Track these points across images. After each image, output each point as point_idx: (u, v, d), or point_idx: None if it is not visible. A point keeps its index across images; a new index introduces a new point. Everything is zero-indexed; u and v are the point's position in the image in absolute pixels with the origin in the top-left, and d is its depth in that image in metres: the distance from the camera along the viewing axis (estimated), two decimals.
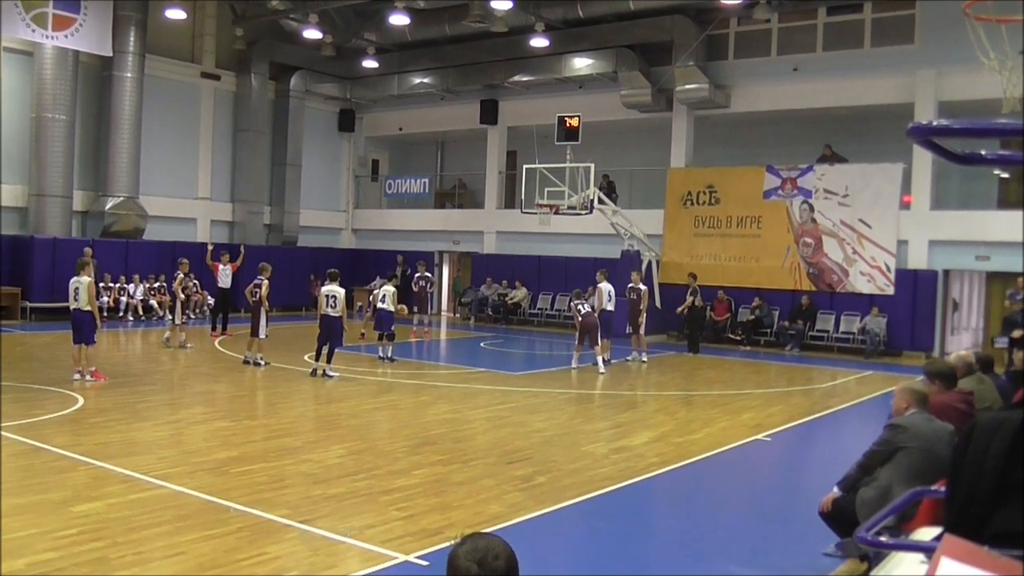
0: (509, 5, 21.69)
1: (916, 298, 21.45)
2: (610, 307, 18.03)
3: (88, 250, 21.75)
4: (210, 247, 21.15)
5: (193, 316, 19.28)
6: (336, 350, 15.11)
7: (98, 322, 13.57)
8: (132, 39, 24.21)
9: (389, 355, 17.17)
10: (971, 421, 3.60)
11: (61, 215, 23.37)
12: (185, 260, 19.48)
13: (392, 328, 17.23)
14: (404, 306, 18.08)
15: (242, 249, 21.58)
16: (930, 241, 21.51)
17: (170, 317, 19.49)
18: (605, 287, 18.10)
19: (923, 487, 4.89)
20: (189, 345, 18.36)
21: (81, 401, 11.84)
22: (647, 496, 8.61)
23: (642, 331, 19.11)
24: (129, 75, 24.29)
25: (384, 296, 17.10)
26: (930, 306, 21.45)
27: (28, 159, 23.06)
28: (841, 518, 5.89)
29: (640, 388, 16.08)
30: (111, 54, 23.76)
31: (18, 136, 23.00)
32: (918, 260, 21.68)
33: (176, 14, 24.20)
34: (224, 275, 20.25)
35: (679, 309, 21.31)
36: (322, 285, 15.54)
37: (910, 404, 5.91)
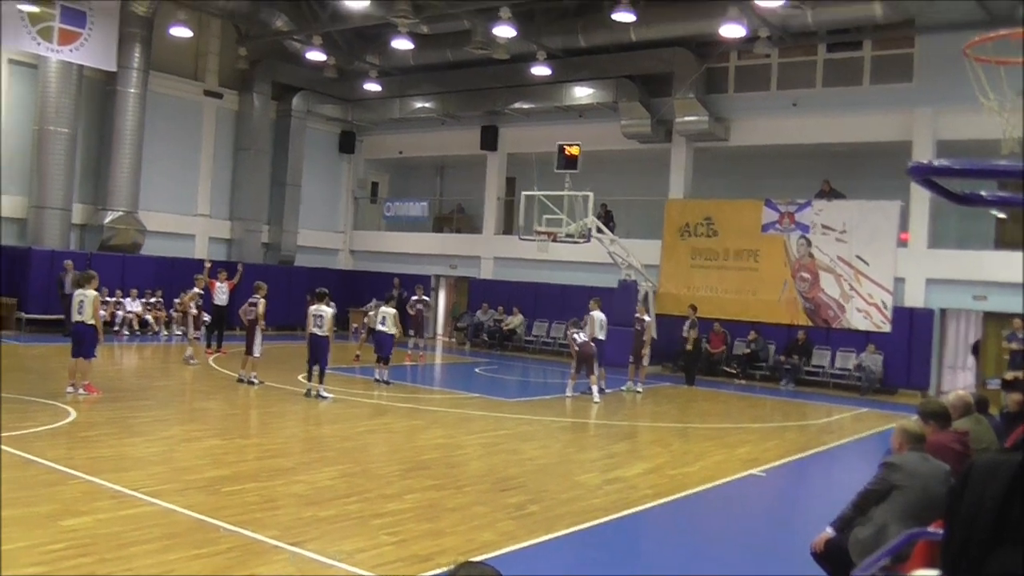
0: (512, 33, 21.84)
1: (912, 336, 21.47)
2: (602, 336, 18.00)
3: (69, 262, 21.77)
4: (207, 264, 21.13)
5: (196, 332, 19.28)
6: (326, 370, 15.06)
7: (100, 336, 13.53)
8: (136, 55, 24.34)
9: (385, 378, 17.11)
10: (967, 462, 3.60)
11: (60, 227, 23.38)
12: (200, 276, 19.40)
13: (391, 351, 17.17)
14: (400, 329, 18.02)
15: (239, 267, 21.55)
16: (927, 279, 21.56)
17: (179, 332, 19.30)
18: (597, 315, 18.09)
19: (918, 527, 4.88)
20: (194, 361, 18.29)
21: (73, 414, 11.78)
22: (640, 528, 8.57)
23: (646, 362, 19.12)
24: (132, 91, 24.40)
25: (384, 318, 17.05)
26: (926, 344, 21.46)
27: (29, 171, 23.10)
28: (834, 558, 5.85)
29: (635, 419, 16.04)
30: (115, 69, 23.87)
31: (20, 147, 23.05)
32: (915, 298, 21.73)
33: (181, 32, 24.34)
34: (220, 292, 20.23)
35: (688, 346, 21.20)
36: (312, 304, 15.50)
37: (904, 443, 5.90)
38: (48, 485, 8.21)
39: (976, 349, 21.15)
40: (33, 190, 23.08)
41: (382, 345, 17.01)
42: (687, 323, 21.18)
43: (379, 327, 17.13)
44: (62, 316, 21.39)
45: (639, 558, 7.78)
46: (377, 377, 17.17)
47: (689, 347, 21.17)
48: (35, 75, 23.12)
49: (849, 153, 23.51)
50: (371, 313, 19.02)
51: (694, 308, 21.56)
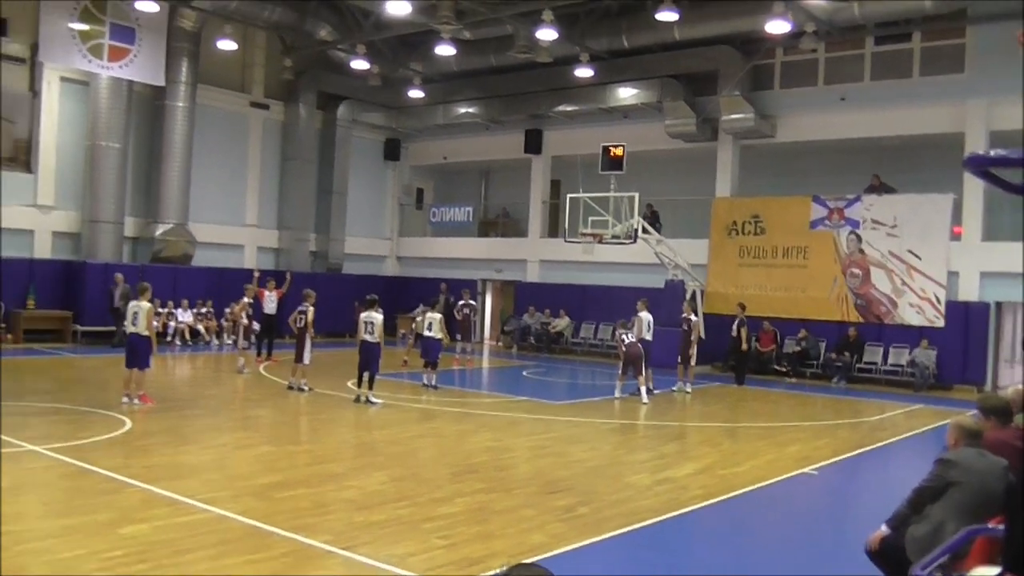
0: (554, 36, 21.82)
1: (967, 331, 21.06)
2: (648, 336, 17.90)
3: (119, 275, 22.15)
4: (256, 274, 21.39)
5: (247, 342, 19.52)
6: (376, 376, 15.16)
7: (154, 347, 13.74)
8: (184, 69, 24.76)
9: (433, 383, 17.18)
10: None
11: (113, 241, 23.84)
12: (250, 286, 19.62)
13: (439, 356, 17.26)
14: (447, 333, 18.10)
15: (288, 276, 21.80)
16: (981, 273, 21.13)
17: (230, 342, 19.43)
18: (645, 316, 18.00)
19: (976, 524, 4.77)
20: (247, 370, 18.51)
21: (129, 424, 11.99)
22: (691, 529, 8.49)
23: (693, 362, 18.98)
24: (181, 104, 24.82)
25: (431, 324, 17.14)
26: (982, 339, 21.03)
27: (82, 186, 23.59)
28: (889, 557, 5.75)
29: (684, 419, 15.92)
30: (164, 84, 24.32)
31: (73, 163, 23.56)
32: (969, 292, 21.30)
33: (227, 45, 24.69)
34: (270, 301, 20.45)
35: (741, 345, 20.97)
36: (363, 311, 15.63)
37: (960, 439, 5.78)
38: (106, 493, 8.36)
39: None
40: (86, 205, 23.56)
41: (429, 350, 17.11)
42: (736, 322, 20.97)
43: (426, 332, 17.23)
44: (114, 328, 21.88)
45: (690, 559, 7.72)
46: (425, 382, 17.25)
47: (742, 347, 20.93)
48: (87, 92, 23.61)
49: (899, 147, 23.13)
50: (419, 319, 19.10)
51: (743, 307, 21.34)
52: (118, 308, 21.92)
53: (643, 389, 16.98)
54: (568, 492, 9.28)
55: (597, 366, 23.85)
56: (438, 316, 17.34)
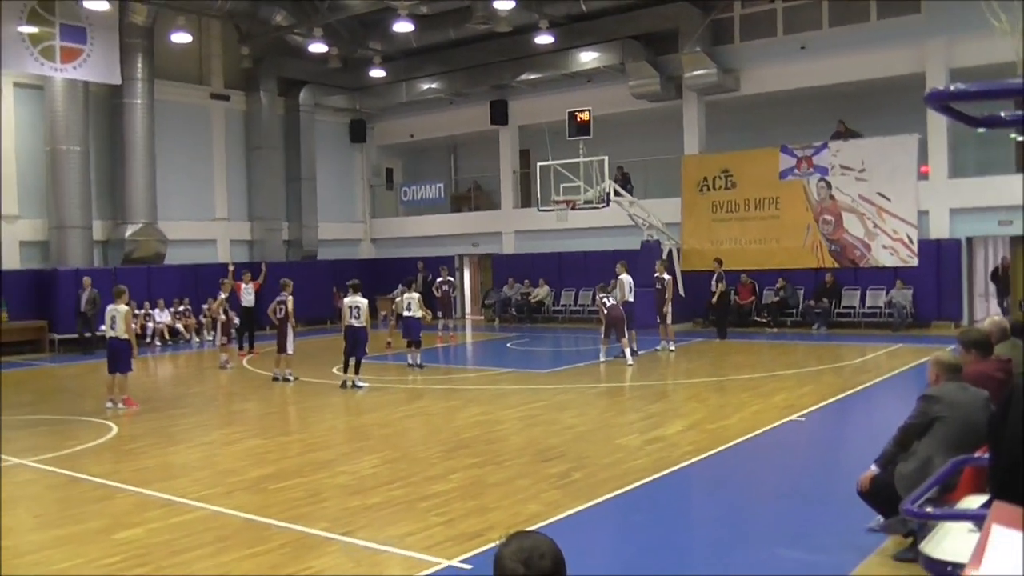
0: (512, 4, 21.67)
1: (940, 268, 21.28)
2: (631, 298, 17.99)
3: (87, 279, 21.96)
4: (231, 267, 21.25)
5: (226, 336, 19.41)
6: (362, 360, 15.16)
7: (134, 350, 13.65)
8: (140, 65, 24.39)
9: (418, 362, 17.20)
10: (1009, 388, 3.55)
11: (82, 246, 23.56)
12: (226, 280, 19.50)
13: (420, 335, 17.27)
14: (428, 311, 18.10)
15: (263, 267, 21.67)
16: (951, 210, 21.34)
17: (210, 338, 19.35)
18: (626, 279, 18.06)
19: (964, 456, 4.84)
20: (230, 365, 18.43)
21: (115, 429, 11.92)
22: (684, 485, 8.57)
23: (669, 320, 19.05)
24: (139, 101, 24.48)
25: (409, 304, 17.14)
26: (955, 275, 21.27)
27: (45, 192, 23.27)
28: (880, 495, 5.84)
29: (669, 377, 16.02)
30: (120, 82, 23.93)
31: (34, 170, 23.22)
32: (940, 229, 21.50)
33: (182, 38, 24.35)
34: (247, 294, 20.34)
35: (713, 300, 21.11)
36: (344, 297, 15.58)
37: (941, 374, 5.86)
38: (97, 500, 8.33)
39: (995, 275, 20.91)
40: (52, 211, 23.24)
41: (410, 329, 17.11)
42: (714, 277, 21.06)
43: (405, 312, 17.24)
44: (87, 334, 21.71)
45: (687, 514, 7.80)
46: (410, 362, 17.26)
47: (715, 301, 21.06)
48: (41, 96, 23.23)
49: (862, 92, 23.19)
50: (398, 300, 19.09)
51: (720, 262, 21.42)
52: (84, 313, 21.76)
53: (627, 351, 17.08)
54: (560, 459, 9.33)
55: (580, 332, 23.92)
56: (416, 296, 17.34)
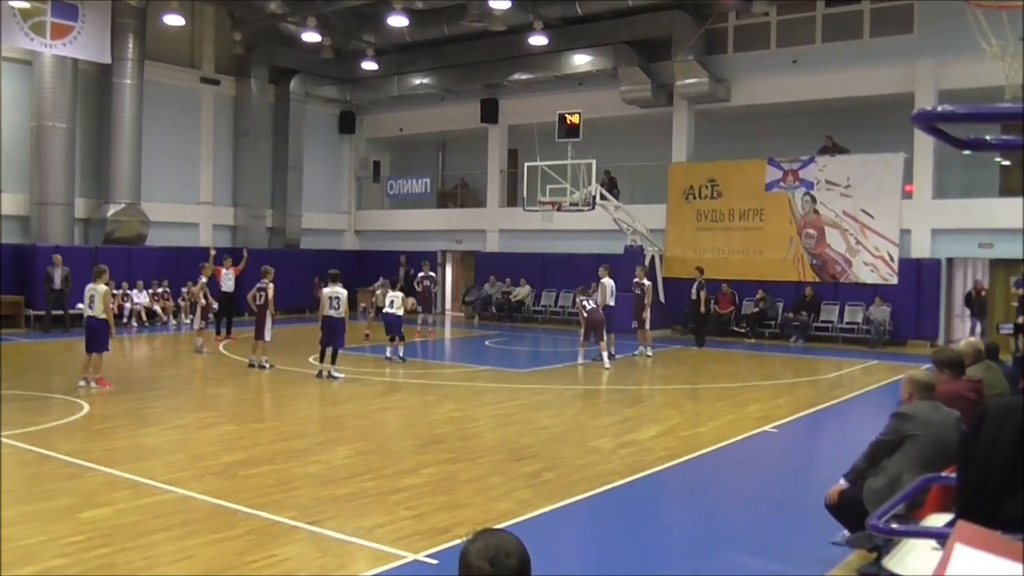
0: (507, 4, 21.67)
1: (919, 287, 21.43)
2: (612, 302, 18.03)
3: (57, 256, 21.76)
4: (212, 252, 21.15)
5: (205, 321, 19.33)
6: (339, 351, 15.12)
7: (112, 330, 13.55)
8: (131, 46, 24.23)
9: (400, 354, 17.21)
10: (980, 409, 3.58)
11: (63, 223, 23.40)
12: (207, 264, 19.40)
13: (402, 330, 17.29)
14: (412, 299, 18.12)
15: (245, 253, 21.58)
16: (933, 230, 21.49)
17: (187, 321, 19.22)
18: (607, 283, 18.09)
19: (932, 474, 4.88)
20: (206, 350, 18.34)
21: (87, 408, 11.84)
22: (656, 490, 8.60)
23: (647, 326, 19.09)
24: (128, 82, 24.31)
25: (392, 301, 17.13)
26: (934, 295, 21.44)
27: (29, 168, 23.08)
28: (848, 510, 5.88)
29: (646, 383, 16.06)
30: (110, 61, 23.77)
31: (19, 145, 23.02)
32: (921, 249, 21.65)
33: (174, 20, 24.19)
34: (227, 279, 20.26)
35: (701, 308, 21.15)
36: (324, 287, 15.53)
37: (914, 393, 5.90)
38: (66, 479, 8.27)
39: (969, 299, 21.07)
40: (34, 187, 23.07)
41: (391, 326, 17.11)
42: (695, 285, 21.13)
43: (387, 309, 17.22)
44: (60, 312, 21.56)
45: (657, 520, 7.82)
46: (389, 355, 17.24)
47: (700, 309, 21.12)
48: (30, 72, 23.04)
49: (851, 108, 23.33)
50: (378, 292, 19.06)
51: (701, 270, 21.49)
52: (60, 290, 21.59)
53: (605, 355, 17.10)
54: (534, 459, 9.33)
55: (559, 333, 23.96)
56: (400, 295, 17.38)
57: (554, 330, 25.15)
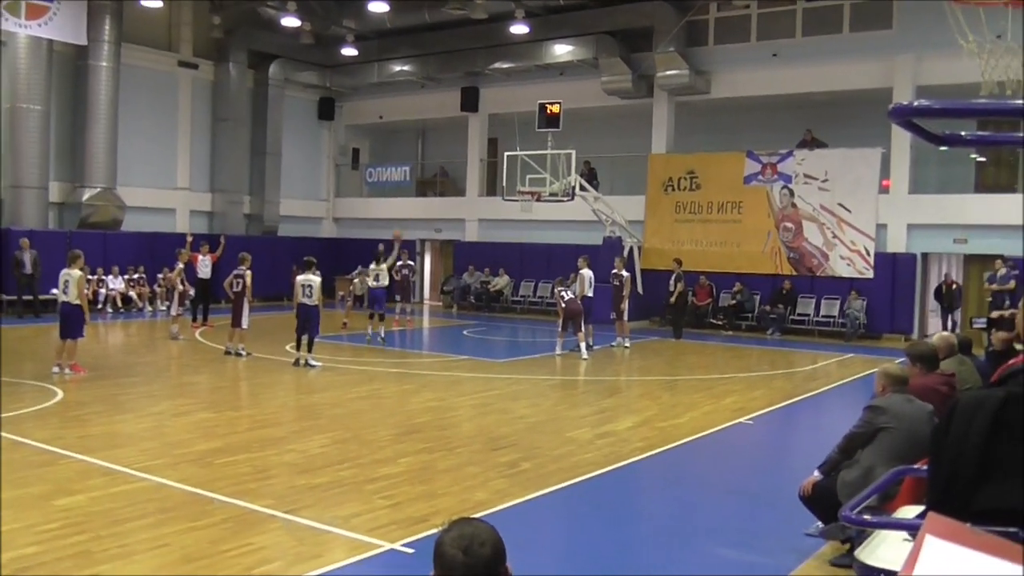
0: None
1: (895, 281, 21.61)
2: (590, 293, 18.06)
3: (25, 240, 21.56)
4: (189, 238, 20.99)
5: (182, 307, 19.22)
6: (316, 339, 15.07)
7: (87, 316, 13.45)
8: (107, 27, 23.95)
9: (381, 335, 17.18)
10: (951, 402, 3.62)
11: (37, 207, 23.15)
12: (183, 251, 19.23)
13: (385, 306, 17.26)
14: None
15: (222, 240, 21.44)
16: (908, 225, 21.66)
17: (163, 308, 19.09)
18: (586, 273, 18.12)
19: (905, 466, 4.93)
20: (181, 336, 18.23)
21: (60, 395, 11.75)
22: (632, 480, 8.64)
23: (625, 317, 19.13)
24: (105, 64, 24.04)
25: (378, 275, 17.10)
26: (909, 289, 21.63)
27: (3, 150, 22.77)
28: (822, 501, 5.94)
29: (623, 374, 16.13)
30: (86, 43, 23.49)
31: None
32: (897, 244, 21.83)
33: (152, 2, 23.95)
34: (204, 266, 20.14)
35: (672, 299, 21.22)
36: (299, 274, 15.46)
37: (887, 386, 5.96)
38: (39, 466, 8.21)
39: (939, 293, 21.27)
40: (7, 170, 22.76)
41: (376, 300, 17.09)
42: (672, 277, 21.20)
43: (372, 283, 17.19)
44: (29, 297, 21.37)
45: (633, 510, 7.86)
46: (370, 335, 17.23)
47: (673, 300, 21.20)
48: (3, 52, 22.70)
49: (830, 102, 23.45)
50: (356, 281, 19.03)
51: (679, 262, 21.55)
52: (31, 274, 21.39)
53: (583, 345, 17.15)
54: (511, 448, 9.36)
55: (537, 324, 23.99)
56: (384, 268, 17.37)
57: (532, 320, 25.18)
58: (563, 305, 17.23)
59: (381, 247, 27.41)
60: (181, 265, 18.66)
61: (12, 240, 22.09)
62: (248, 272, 15.88)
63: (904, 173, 21.76)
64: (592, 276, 18.25)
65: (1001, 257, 19.18)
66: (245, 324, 15.87)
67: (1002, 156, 22.09)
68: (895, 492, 5.06)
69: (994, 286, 19.05)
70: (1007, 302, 17.33)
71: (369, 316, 17.23)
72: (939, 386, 6.30)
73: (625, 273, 19.34)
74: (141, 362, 15.44)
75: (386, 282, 17.12)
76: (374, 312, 17.11)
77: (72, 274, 13.25)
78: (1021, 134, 3.67)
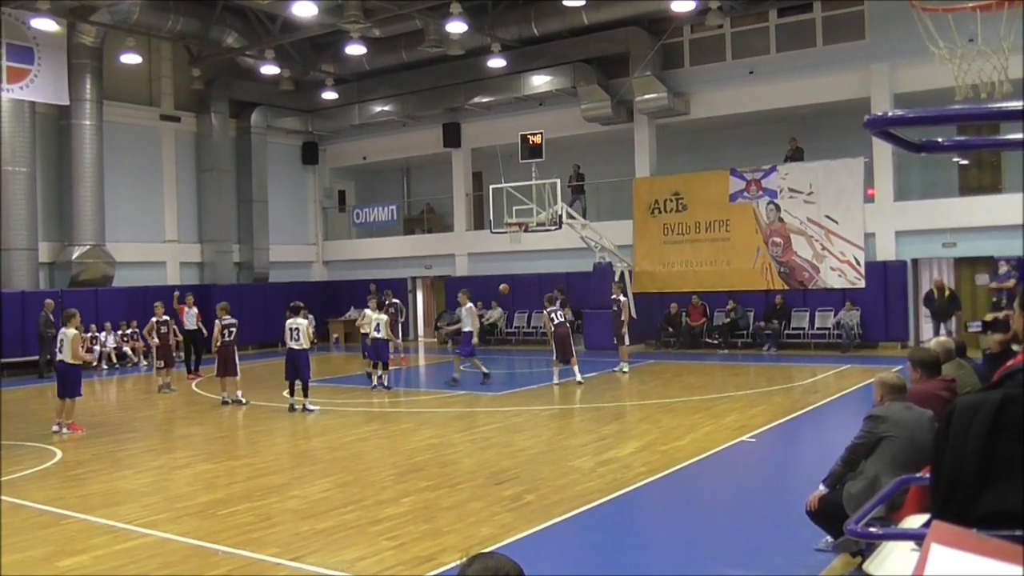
0: (464, 28, 21.79)
1: (887, 289, 21.68)
2: (468, 328, 17.84)
3: (49, 302, 21.55)
4: (176, 294, 21.06)
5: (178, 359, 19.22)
6: (310, 383, 15.01)
7: (91, 360, 13.45)
8: (88, 86, 24.06)
9: (385, 383, 17.19)
10: (949, 407, 3.62)
11: (27, 268, 23.11)
12: (159, 304, 19.28)
13: (388, 356, 17.31)
14: (393, 335, 18.21)
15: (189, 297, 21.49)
16: (896, 232, 21.76)
17: (160, 362, 19.05)
18: (468, 308, 18.02)
19: (909, 475, 4.91)
20: (173, 388, 18.18)
21: (59, 454, 11.67)
22: (637, 506, 8.59)
23: (626, 341, 19.12)
24: (88, 123, 24.13)
25: (378, 325, 17.08)
26: (901, 296, 21.68)
27: None
28: (829, 515, 5.90)
29: (622, 399, 16.08)
30: (68, 103, 23.61)
31: None
32: (886, 251, 21.91)
33: (131, 59, 24.10)
34: (189, 317, 20.15)
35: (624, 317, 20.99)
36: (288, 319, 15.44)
37: (885, 395, 5.95)
38: (41, 527, 8.13)
39: (929, 299, 21.29)
40: None
41: (379, 351, 17.14)
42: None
43: (374, 334, 17.16)
44: (36, 357, 21.34)
45: (640, 535, 7.81)
46: (375, 383, 17.24)
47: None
48: None
49: (810, 115, 23.64)
50: (358, 322, 19.10)
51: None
52: (45, 337, 21.35)
53: (576, 368, 17.19)
54: (513, 481, 9.31)
55: (532, 354, 23.95)
56: (384, 317, 17.36)
57: (528, 351, 25.14)
58: (553, 328, 17.27)
59: (373, 287, 27.57)
60: (155, 319, 18.69)
61: (5, 303, 22.03)
62: (228, 320, 16.09)
63: (888, 181, 21.90)
64: (473, 308, 18.21)
65: (1004, 259, 19.20)
66: (238, 372, 15.96)
67: (984, 158, 22.29)
68: (901, 501, 5.03)
69: (994, 284, 19.12)
70: (1004, 300, 17.38)
71: (372, 365, 17.24)
72: (940, 391, 6.29)
73: (623, 298, 19.38)
74: (138, 417, 15.35)
75: (386, 335, 17.12)
76: (376, 362, 17.16)
77: (67, 333, 13.23)
78: (999, 137, 3.70)
